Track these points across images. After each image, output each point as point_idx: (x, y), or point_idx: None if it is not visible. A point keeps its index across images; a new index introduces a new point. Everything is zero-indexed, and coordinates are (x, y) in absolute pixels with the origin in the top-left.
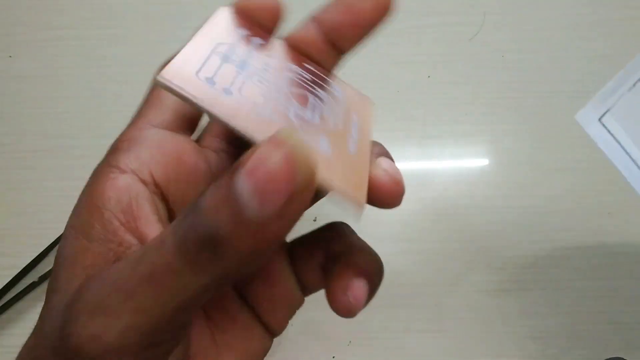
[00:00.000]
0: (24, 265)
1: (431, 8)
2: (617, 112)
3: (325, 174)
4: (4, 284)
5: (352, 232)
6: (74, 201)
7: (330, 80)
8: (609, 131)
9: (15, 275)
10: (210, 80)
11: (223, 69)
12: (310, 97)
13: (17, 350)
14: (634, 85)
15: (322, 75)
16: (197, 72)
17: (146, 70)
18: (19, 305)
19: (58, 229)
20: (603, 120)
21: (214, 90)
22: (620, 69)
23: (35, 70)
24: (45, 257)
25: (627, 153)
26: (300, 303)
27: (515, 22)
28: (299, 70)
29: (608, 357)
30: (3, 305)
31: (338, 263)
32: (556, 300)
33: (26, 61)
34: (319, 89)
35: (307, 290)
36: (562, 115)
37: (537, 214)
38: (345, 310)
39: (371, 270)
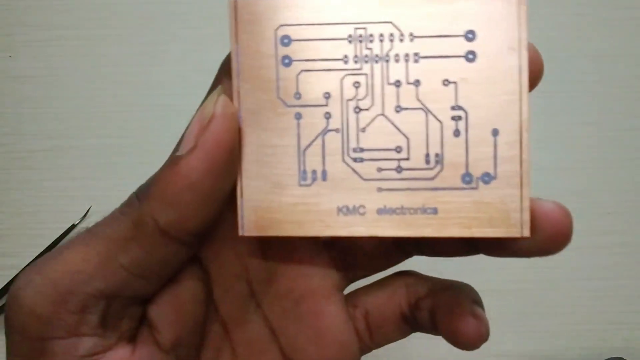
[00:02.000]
0: (24, 265)
1: None
2: None
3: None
4: (4, 284)
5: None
6: (74, 201)
7: None
8: None
9: (15, 275)
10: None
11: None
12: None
13: None
14: None
15: None
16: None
17: (146, 70)
18: None
19: (58, 229)
20: None
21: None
22: (627, 71)
23: (35, 70)
24: None
25: None
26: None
27: None
28: None
29: (608, 357)
30: (3, 305)
31: (441, 302)
32: (556, 300)
33: (26, 61)
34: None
35: (373, 340)
36: (562, 116)
37: None
38: (478, 337)
39: (476, 296)
